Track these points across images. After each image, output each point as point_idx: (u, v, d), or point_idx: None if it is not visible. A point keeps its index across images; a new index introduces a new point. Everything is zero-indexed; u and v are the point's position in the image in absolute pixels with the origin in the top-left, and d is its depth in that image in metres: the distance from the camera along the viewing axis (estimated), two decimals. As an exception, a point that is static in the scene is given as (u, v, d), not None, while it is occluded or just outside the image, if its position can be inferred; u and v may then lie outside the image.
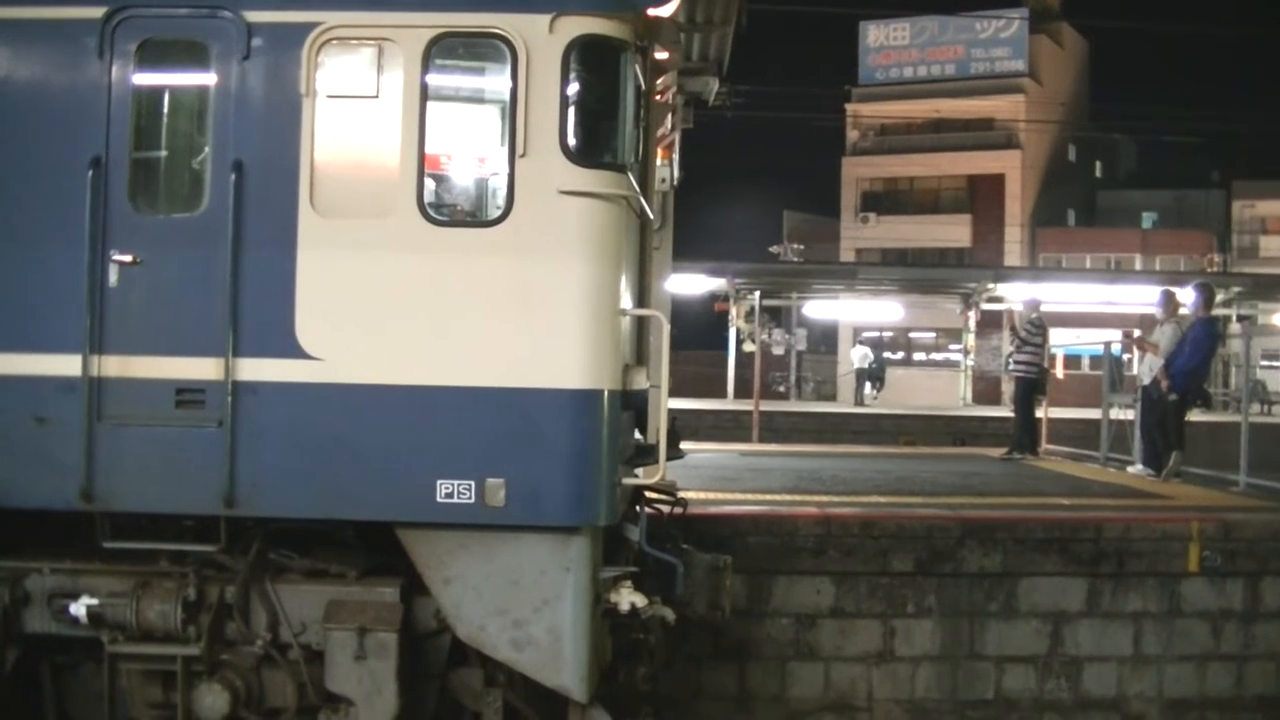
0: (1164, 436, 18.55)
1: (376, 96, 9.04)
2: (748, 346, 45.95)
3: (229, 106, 9.07)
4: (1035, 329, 22.20)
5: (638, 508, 10.47)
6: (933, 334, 66.17)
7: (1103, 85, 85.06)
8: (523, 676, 9.39)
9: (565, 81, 8.90)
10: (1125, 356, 23.54)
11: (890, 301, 53.95)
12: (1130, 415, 20.65)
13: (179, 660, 9.39)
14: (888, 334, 64.98)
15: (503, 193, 9.02)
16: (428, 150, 9.02)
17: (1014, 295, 44.95)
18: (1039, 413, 23.66)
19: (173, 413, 9.01)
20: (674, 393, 10.77)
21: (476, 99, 9.72)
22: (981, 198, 70.64)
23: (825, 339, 66.64)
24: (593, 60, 9.07)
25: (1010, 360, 22.79)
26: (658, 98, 11.61)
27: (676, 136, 14.20)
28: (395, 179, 8.93)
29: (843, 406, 47.88)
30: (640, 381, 9.70)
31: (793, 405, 46.86)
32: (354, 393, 8.93)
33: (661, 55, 10.69)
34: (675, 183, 14.17)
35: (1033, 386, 22.31)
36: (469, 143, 9.84)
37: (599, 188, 8.95)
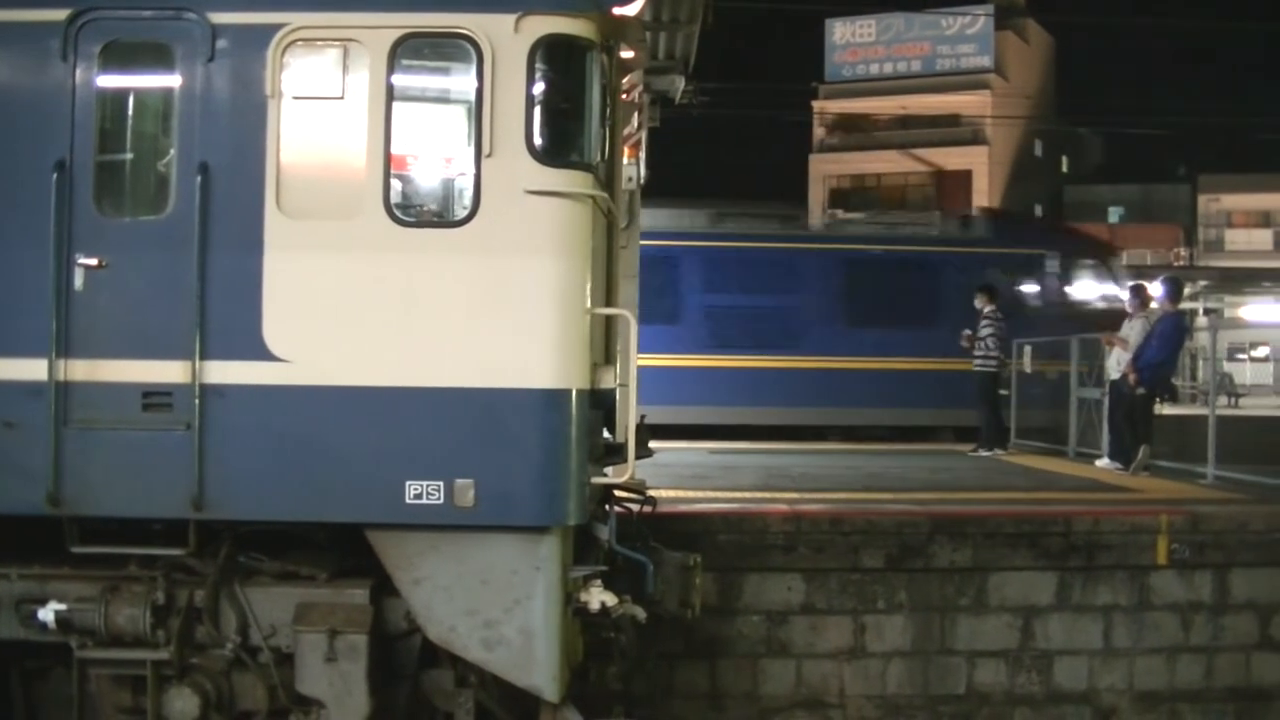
0: (1132, 430, 18.63)
1: (342, 97, 9.02)
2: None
3: (194, 108, 9.04)
4: (994, 320, 22.16)
5: (607, 506, 10.48)
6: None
7: (1069, 81, 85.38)
8: (494, 677, 9.38)
9: (531, 81, 8.90)
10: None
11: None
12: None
13: (148, 665, 9.36)
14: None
15: (469, 193, 9.02)
16: (394, 151, 9.03)
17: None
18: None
19: (140, 416, 8.98)
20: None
21: (442, 99, 9.70)
22: (948, 193, 70.79)
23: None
24: (558, 60, 9.08)
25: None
26: (624, 97, 11.61)
27: (643, 135, 14.19)
28: (361, 180, 8.92)
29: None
30: (608, 380, 9.71)
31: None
32: (322, 394, 8.92)
33: (627, 54, 10.69)
34: (642, 181, 14.16)
35: (994, 380, 22.32)
36: (435, 143, 9.81)
37: (565, 187, 8.96)
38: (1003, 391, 22.97)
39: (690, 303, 26.64)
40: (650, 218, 27.41)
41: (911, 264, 27.21)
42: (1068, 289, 27.91)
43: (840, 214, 32.15)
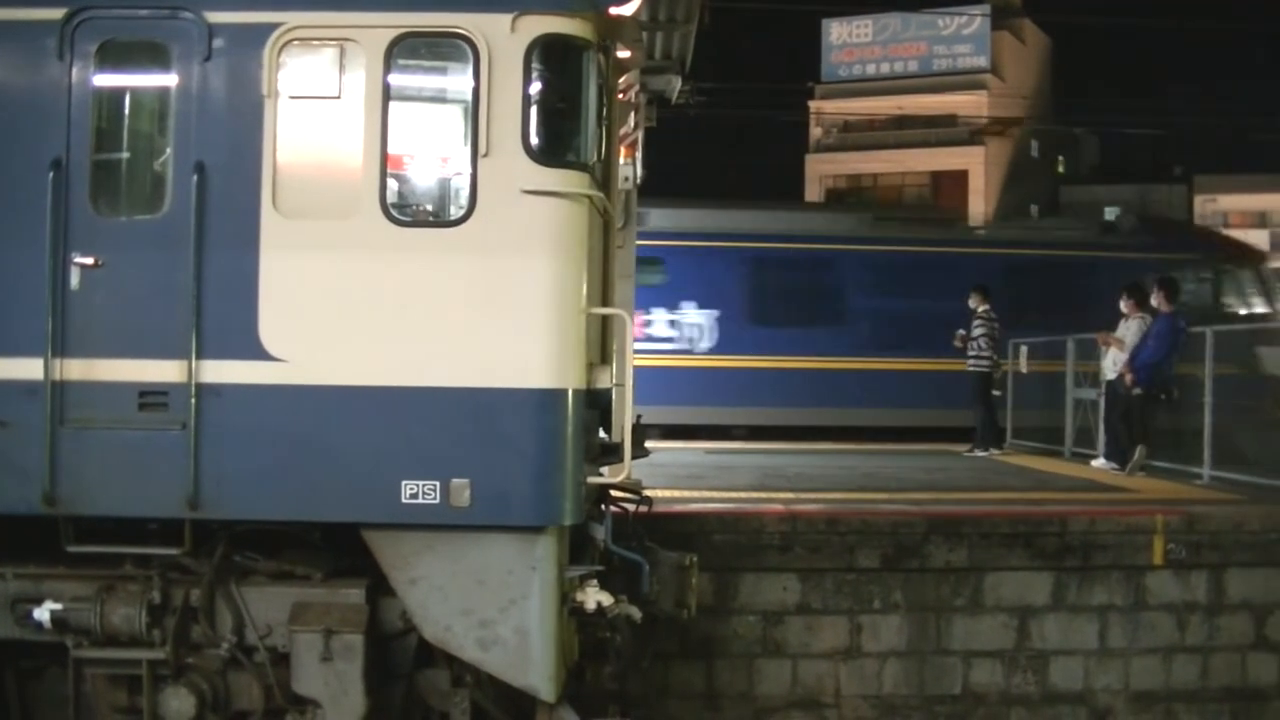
0: (1128, 430, 18.63)
1: (339, 97, 9.02)
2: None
3: (190, 108, 9.04)
4: (988, 320, 22.14)
5: (603, 506, 10.47)
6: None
7: (1065, 81, 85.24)
8: (490, 676, 9.38)
9: (527, 81, 8.91)
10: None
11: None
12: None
13: (144, 664, 9.36)
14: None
15: (465, 193, 9.02)
16: (390, 150, 9.03)
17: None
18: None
19: (136, 415, 8.98)
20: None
21: (439, 99, 9.70)
22: (945, 194, 70.71)
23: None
24: (555, 59, 9.08)
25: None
26: (620, 96, 11.61)
27: (639, 135, 14.17)
28: (358, 180, 8.92)
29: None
30: (604, 380, 9.71)
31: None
32: (318, 394, 8.92)
33: (624, 54, 10.69)
34: (638, 181, 14.14)
35: (987, 380, 22.29)
36: (432, 143, 9.81)
37: (562, 187, 8.96)
38: (996, 392, 22.95)
39: (852, 306, 26.73)
40: (812, 222, 27.80)
41: (1072, 268, 27.18)
42: (1223, 296, 27.83)
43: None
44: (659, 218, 26.30)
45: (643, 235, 26.94)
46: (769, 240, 27.22)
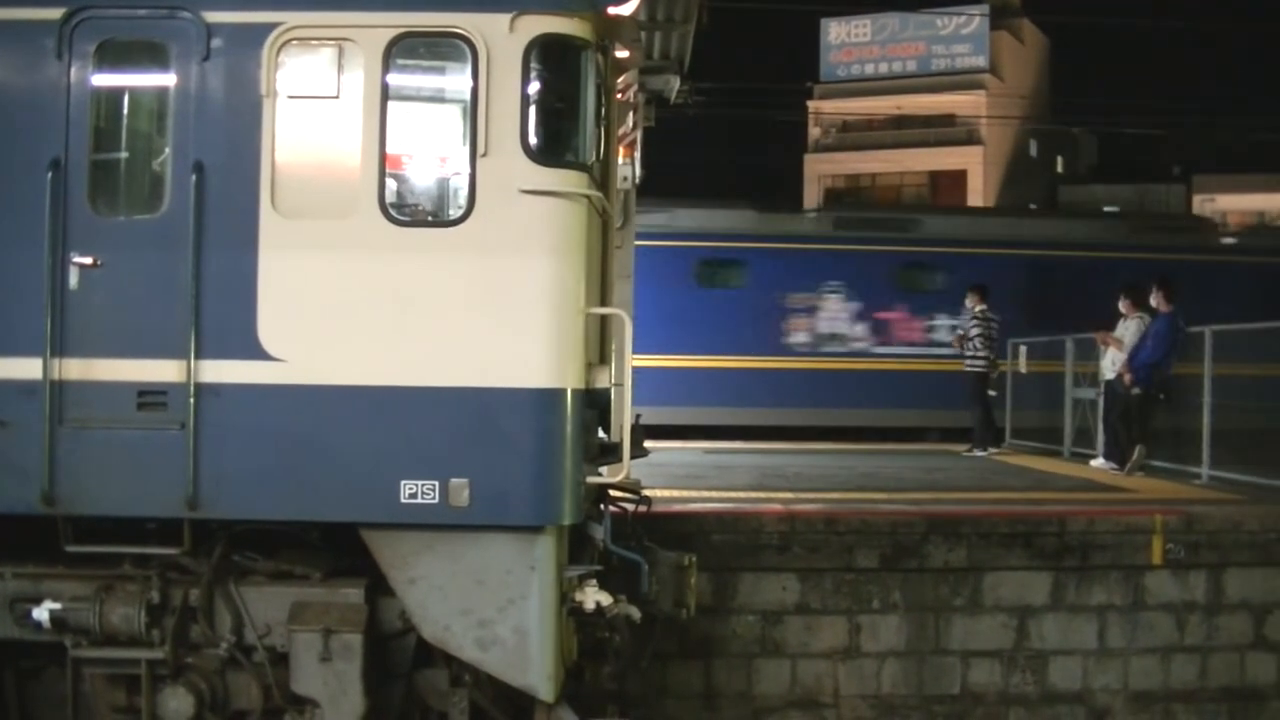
0: (1127, 430, 18.64)
1: (337, 97, 9.02)
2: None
3: (189, 107, 9.04)
4: (984, 320, 22.14)
5: (602, 506, 10.47)
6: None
7: (1064, 81, 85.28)
8: (489, 676, 9.38)
9: (526, 81, 8.90)
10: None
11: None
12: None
13: (143, 664, 9.36)
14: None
15: (464, 192, 9.02)
16: (389, 150, 9.03)
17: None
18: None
19: (134, 415, 8.97)
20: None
21: (437, 98, 9.70)
22: (944, 193, 70.68)
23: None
24: (553, 59, 9.08)
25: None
26: (619, 96, 11.61)
27: (638, 135, 14.17)
28: (356, 179, 8.92)
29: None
30: (603, 380, 9.71)
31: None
32: (317, 394, 8.92)
33: (622, 54, 10.69)
34: (637, 181, 14.14)
35: (984, 380, 22.28)
36: (430, 142, 9.82)
37: (561, 187, 8.96)
38: (992, 392, 22.92)
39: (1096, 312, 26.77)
40: (1079, 230, 28.27)
41: None
42: None
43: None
44: (941, 225, 26.53)
45: (924, 242, 27.40)
46: (1041, 247, 27.63)
